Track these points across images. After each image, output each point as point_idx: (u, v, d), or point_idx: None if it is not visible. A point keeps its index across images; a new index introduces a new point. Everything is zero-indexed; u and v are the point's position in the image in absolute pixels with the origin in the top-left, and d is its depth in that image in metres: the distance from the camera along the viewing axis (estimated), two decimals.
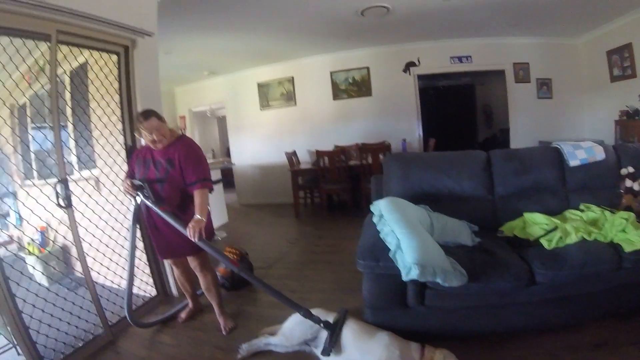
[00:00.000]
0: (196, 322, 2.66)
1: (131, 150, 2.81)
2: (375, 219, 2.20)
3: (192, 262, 2.44)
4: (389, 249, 1.90)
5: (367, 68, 6.37)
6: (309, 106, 6.77)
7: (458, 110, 8.50)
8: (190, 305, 2.74)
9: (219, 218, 5.48)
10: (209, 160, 5.25)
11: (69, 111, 3.00)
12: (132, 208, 2.48)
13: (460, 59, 6.09)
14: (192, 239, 2.09)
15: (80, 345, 2.34)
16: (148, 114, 2.22)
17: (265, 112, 7.10)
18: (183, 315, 2.69)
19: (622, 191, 2.51)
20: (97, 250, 2.70)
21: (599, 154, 2.66)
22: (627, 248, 1.95)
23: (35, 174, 3.49)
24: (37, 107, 2.62)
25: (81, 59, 2.82)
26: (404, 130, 6.24)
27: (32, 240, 3.35)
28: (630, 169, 2.53)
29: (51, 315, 2.25)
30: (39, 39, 2.23)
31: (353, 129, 6.50)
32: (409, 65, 6.19)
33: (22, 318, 2.04)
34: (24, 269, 2.87)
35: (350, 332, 1.92)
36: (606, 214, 2.30)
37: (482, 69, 6.39)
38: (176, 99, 8.26)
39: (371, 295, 2.05)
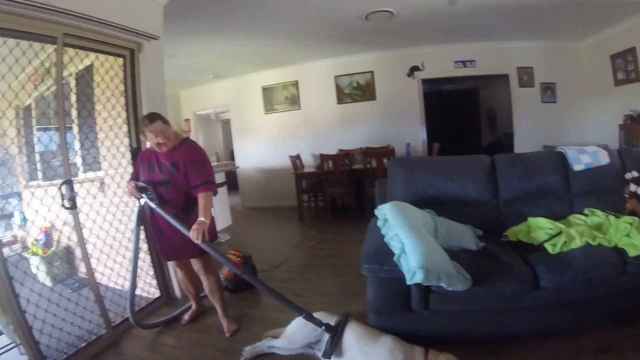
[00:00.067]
0: (199, 324, 2.66)
1: (136, 153, 2.83)
2: (379, 223, 2.20)
3: (196, 264, 2.44)
4: (393, 253, 1.90)
5: (372, 72, 6.37)
6: (313, 110, 6.77)
7: (462, 114, 8.50)
8: (194, 307, 2.73)
9: (222, 221, 5.49)
10: (213, 164, 5.28)
11: (74, 113, 3.03)
12: (136, 210, 2.49)
13: (464, 63, 6.08)
14: (195, 241, 2.09)
15: (83, 345, 2.35)
16: (153, 117, 2.23)
17: (269, 116, 7.11)
18: (186, 317, 2.69)
19: (626, 195, 2.49)
20: (101, 251, 2.73)
21: (604, 159, 2.65)
22: (632, 252, 1.94)
23: (40, 175, 3.51)
24: (43, 109, 2.64)
25: (87, 62, 2.85)
26: (408, 134, 6.23)
27: (36, 240, 3.37)
28: (635, 174, 2.51)
29: (54, 315, 2.27)
30: (46, 42, 2.25)
31: (357, 132, 6.48)
32: (413, 70, 6.18)
33: (25, 318, 2.05)
34: (27, 269, 2.89)
35: (353, 336, 1.92)
36: (610, 219, 2.29)
37: (486, 73, 6.36)
38: (181, 102, 8.29)
39: (375, 299, 2.05)
